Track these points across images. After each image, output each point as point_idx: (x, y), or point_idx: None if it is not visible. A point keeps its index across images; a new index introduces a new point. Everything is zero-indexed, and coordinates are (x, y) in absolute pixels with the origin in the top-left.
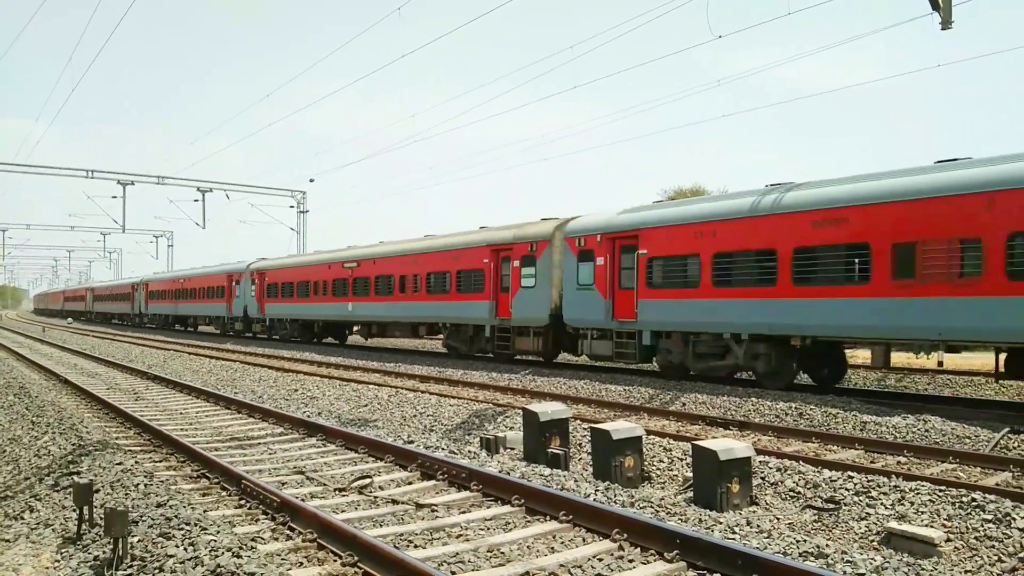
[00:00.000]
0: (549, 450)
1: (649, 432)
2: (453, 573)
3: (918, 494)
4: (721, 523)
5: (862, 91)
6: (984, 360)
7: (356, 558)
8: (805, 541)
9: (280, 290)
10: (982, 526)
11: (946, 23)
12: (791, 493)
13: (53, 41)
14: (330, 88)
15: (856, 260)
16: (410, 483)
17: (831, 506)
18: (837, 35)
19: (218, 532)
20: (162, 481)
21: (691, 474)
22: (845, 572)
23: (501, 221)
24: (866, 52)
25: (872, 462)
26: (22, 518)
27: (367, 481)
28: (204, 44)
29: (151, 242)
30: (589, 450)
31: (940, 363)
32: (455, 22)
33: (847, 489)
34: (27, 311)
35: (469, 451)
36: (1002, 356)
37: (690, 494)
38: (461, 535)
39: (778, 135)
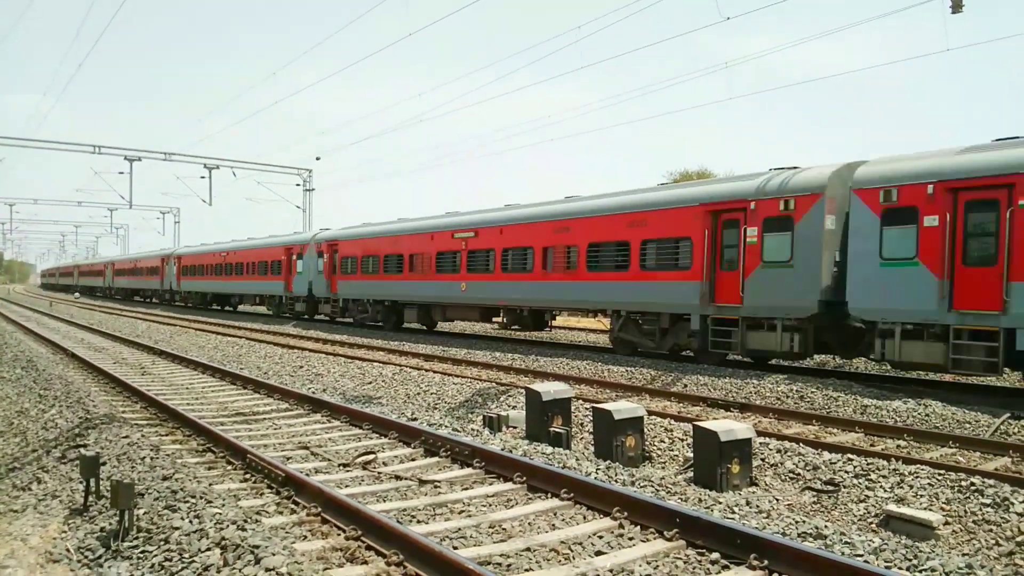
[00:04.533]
0: (551, 429)
1: (650, 413)
2: (455, 548)
3: (917, 477)
4: (721, 503)
5: (870, 75)
6: None
7: (359, 532)
8: (804, 522)
9: (191, 271)
10: (980, 510)
11: (957, 7)
12: (791, 475)
13: (60, 16)
14: (337, 66)
15: (401, 262)
16: (413, 459)
17: (830, 488)
18: (846, 17)
19: (223, 505)
20: (168, 455)
21: (692, 454)
22: (843, 553)
23: (500, 200)
24: (875, 35)
25: (872, 445)
26: (30, 489)
27: (371, 457)
28: (211, 21)
29: (158, 218)
30: (591, 430)
31: None
32: (462, 1)
33: (847, 471)
34: (35, 286)
35: (472, 429)
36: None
37: (690, 474)
38: (463, 511)
39: (785, 118)
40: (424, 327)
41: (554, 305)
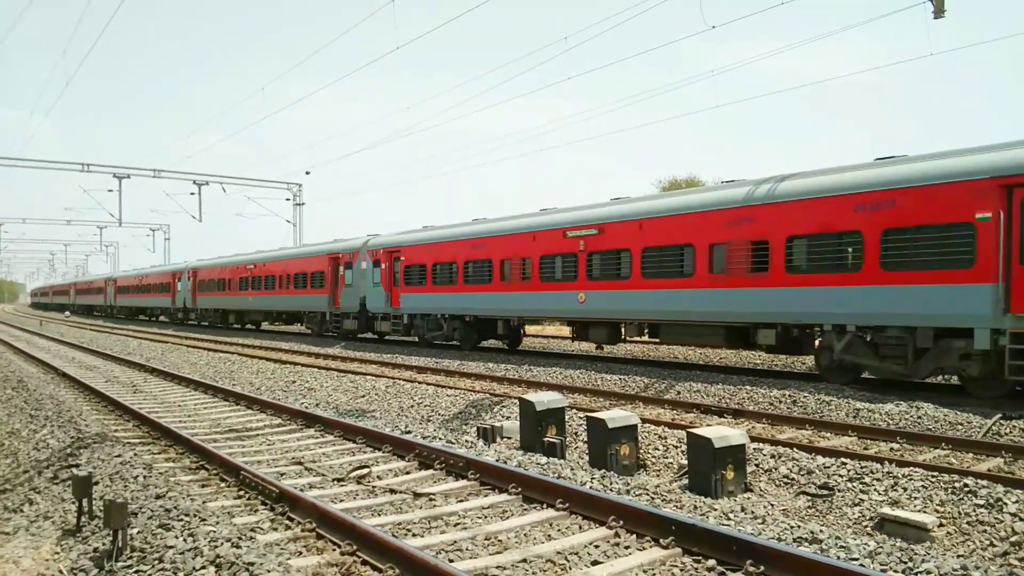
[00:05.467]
0: (546, 439)
1: (644, 420)
2: (451, 561)
3: (911, 480)
4: (716, 510)
5: (857, 81)
6: None
7: (355, 547)
8: (799, 527)
9: (122, 290)
10: (974, 511)
11: (939, 12)
12: (785, 480)
13: (49, 33)
14: (325, 80)
15: (224, 284)
16: (408, 472)
17: (825, 492)
18: (831, 25)
19: (217, 523)
20: (161, 473)
21: (686, 461)
22: (839, 557)
23: (491, 212)
24: (860, 42)
25: (865, 448)
26: (21, 511)
27: (365, 471)
28: (199, 37)
29: (148, 235)
30: (585, 439)
31: None
32: (449, 14)
33: (841, 475)
34: (25, 305)
35: (466, 441)
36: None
37: (685, 481)
38: (459, 523)
39: (772, 125)
40: (256, 327)
41: (280, 310)
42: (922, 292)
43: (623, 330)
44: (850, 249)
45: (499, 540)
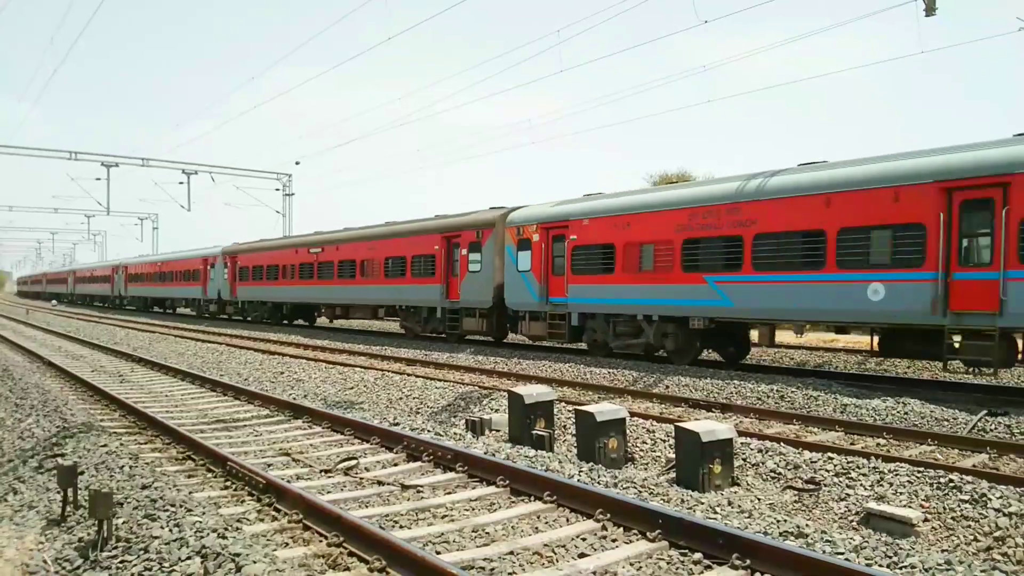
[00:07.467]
0: (534, 432)
1: (633, 414)
2: (438, 553)
3: (897, 475)
4: (703, 503)
5: (848, 77)
6: None
7: (341, 538)
8: (785, 521)
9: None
10: (959, 506)
11: (930, 9)
12: (772, 474)
13: (37, 20)
14: (316, 70)
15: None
16: (396, 465)
17: (811, 487)
18: (821, 22)
19: (204, 513)
20: (147, 463)
21: (674, 455)
22: (825, 551)
23: (484, 204)
24: (850, 40)
25: (852, 444)
26: (6, 500)
27: (353, 463)
28: (189, 26)
29: (136, 224)
30: (574, 432)
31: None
32: (441, 4)
33: (827, 470)
34: (11, 293)
35: (455, 433)
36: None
37: (673, 475)
38: (446, 515)
39: (763, 121)
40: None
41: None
42: None
43: None
44: None
45: (487, 532)
